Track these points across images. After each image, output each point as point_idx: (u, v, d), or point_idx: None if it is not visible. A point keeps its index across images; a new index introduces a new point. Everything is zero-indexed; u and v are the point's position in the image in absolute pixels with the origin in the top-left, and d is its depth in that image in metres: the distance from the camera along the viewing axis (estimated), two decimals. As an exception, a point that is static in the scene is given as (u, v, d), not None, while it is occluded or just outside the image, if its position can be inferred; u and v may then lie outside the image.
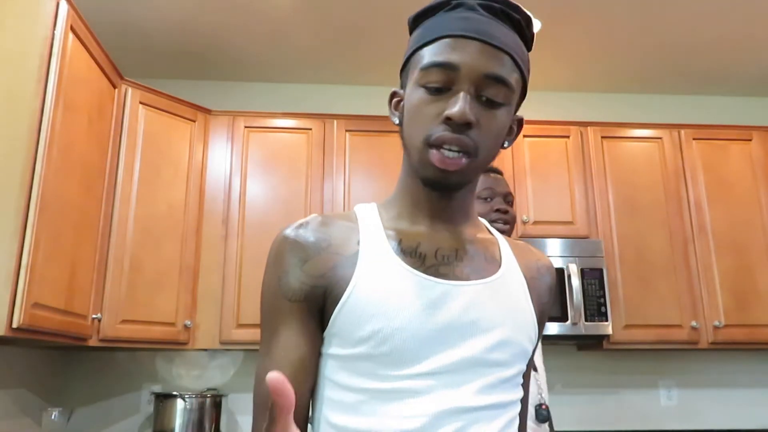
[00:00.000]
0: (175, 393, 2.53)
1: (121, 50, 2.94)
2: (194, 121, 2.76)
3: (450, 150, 0.73)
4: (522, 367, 0.79)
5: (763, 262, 2.86)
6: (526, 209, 2.86)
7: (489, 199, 1.63)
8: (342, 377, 0.73)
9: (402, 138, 0.80)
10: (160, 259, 2.51)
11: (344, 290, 0.73)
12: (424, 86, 0.75)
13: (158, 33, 2.84)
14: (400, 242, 0.78)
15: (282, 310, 0.75)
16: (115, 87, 2.46)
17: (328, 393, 0.75)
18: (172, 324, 2.49)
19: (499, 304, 0.77)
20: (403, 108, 0.80)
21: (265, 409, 0.71)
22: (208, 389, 2.80)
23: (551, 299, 0.88)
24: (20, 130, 1.81)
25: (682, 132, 3.03)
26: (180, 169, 2.66)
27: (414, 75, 0.77)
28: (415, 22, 0.81)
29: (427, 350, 0.72)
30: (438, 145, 0.73)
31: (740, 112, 3.45)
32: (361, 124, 2.91)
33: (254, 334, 2.59)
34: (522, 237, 2.77)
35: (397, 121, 0.82)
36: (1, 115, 1.81)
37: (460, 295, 0.75)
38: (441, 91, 0.74)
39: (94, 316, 2.25)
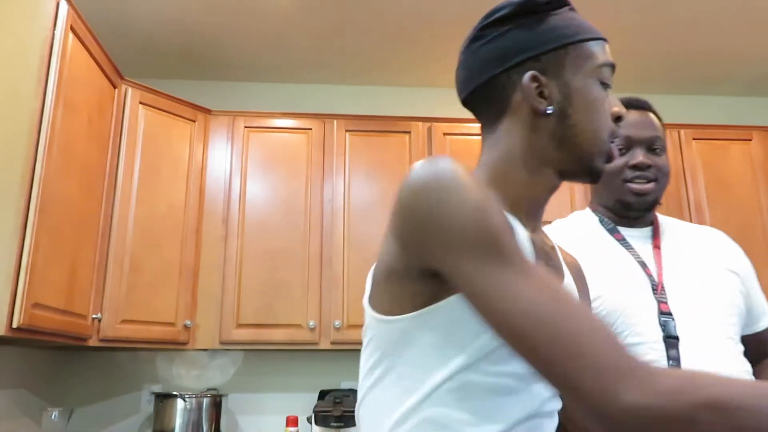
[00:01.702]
0: (175, 393, 2.53)
1: (121, 50, 2.94)
2: (194, 121, 2.76)
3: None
4: None
5: (763, 263, 2.86)
6: (526, 209, 2.86)
7: (624, 150, 1.25)
8: (483, 364, 0.67)
9: (557, 130, 0.75)
10: (160, 259, 2.51)
11: None
12: (601, 81, 0.77)
13: (158, 33, 2.84)
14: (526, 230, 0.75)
15: (508, 229, 0.64)
16: (115, 87, 2.46)
17: (472, 376, 0.67)
18: (172, 324, 2.49)
19: None
20: (563, 97, 0.75)
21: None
22: (208, 389, 2.80)
23: (589, 299, 0.90)
24: (20, 130, 1.81)
25: (682, 132, 3.02)
26: (180, 169, 2.66)
27: (588, 67, 0.76)
28: (548, 5, 0.77)
29: None
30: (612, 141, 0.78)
31: (740, 112, 3.45)
32: (361, 124, 2.91)
33: (254, 334, 2.59)
34: (522, 237, 2.77)
35: (550, 110, 0.75)
36: (1, 115, 1.81)
37: None
38: (606, 89, 0.78)
39: (94, 316, 2.25)
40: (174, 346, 2.53)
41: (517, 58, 0.76)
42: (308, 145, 2.85)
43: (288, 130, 2.86)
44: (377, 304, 0.73)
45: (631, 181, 1.23)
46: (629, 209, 1.25)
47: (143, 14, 2.69)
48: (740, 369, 1.13)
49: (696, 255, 1.24)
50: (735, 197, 2.94)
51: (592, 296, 1.09)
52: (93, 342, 2.28)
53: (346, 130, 2.90)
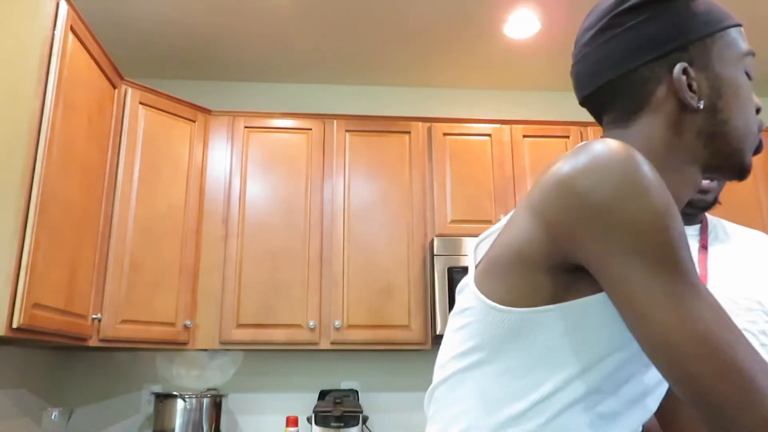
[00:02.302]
0: (175, 393, 2.53)
1: (121, 50, 2.94)
2: (194, 121, 2.76)
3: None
4: None
5: (763, 262, 2.86)
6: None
7: None
8: (600, 381, 0.63)
9: (707, 126, 0.69)
10: (160, 259, 2.51)
11: None
12: (746, 73, 0.71)
13: (158, 33, 2.84)
14: None
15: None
16: (115, 87, 2.46)
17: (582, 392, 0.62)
18: (172, 324, 2.49)
19: None
20: (712, 90, 0.69)
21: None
22: (208, 389, 2.80)
23: None
24: (20, 130, 1.81)
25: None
26: (180, 169, 2.66)
27: (734, 56, 0.70)
28: None
29: (637, 372, 0.66)
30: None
31: (740, 112, 3.45)
32: (361, 124, 2.91)
33: (254, 334, 2.59)
34: (522, 237, 2.77)
35: (701, 105, 0.68)
36: (1, 115, 1.81)
37: None
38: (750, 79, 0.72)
39: (94, 316, 2.25)
40: (174, 346, 2.53)
41: (663, 49, 0.68)
42: (308, 145, 2.85)
43: (288, 130, 2.86)
44: (490, 289, 0.67)
45: (691, 207, 1.21)
46: (690, 206, 1.21)
47: (143, 14, 2.69)
48: None
49: (742, 260, 1.22)
50: (735, 197, 2.94)
51: None
52: (93, 342, 2.28)
53: (346, 130, 2.90)
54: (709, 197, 1.20)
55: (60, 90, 1.93)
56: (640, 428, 0.71)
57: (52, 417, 2.36)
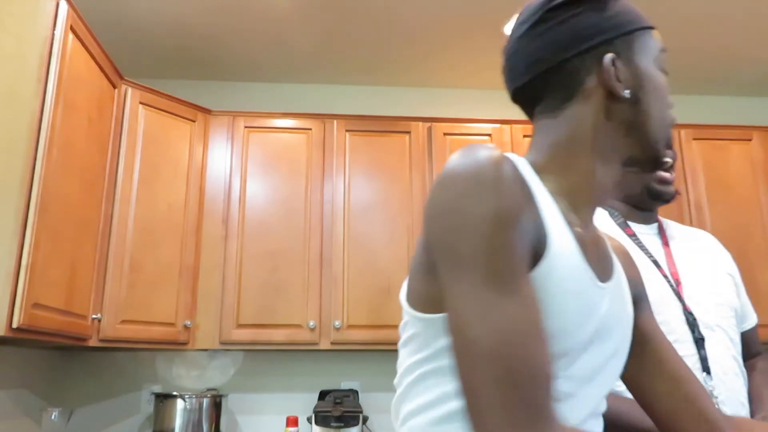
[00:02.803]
0: (175, 393, 2.53)
1: (121, 50, 2.94)
2: (194, 121, 2.76)
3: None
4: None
5: (763, 263, 2.86)
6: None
7: None
8: None
9: (630, 115, 0.73)
10: (160, 259, 2.51)
11: (537, 264, 0.63)
12: (662, 70, 0.76)
13: (158, 33, 2.84)
14: (569, 225, 0.70)
15: (519, 247, 0.60)
16: (115, 87, 2.46)
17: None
18: (172, 324, 2.49)
19: (619, 308, 0.75)
20: (635, 82, 0.73)
21: (550, 383, 0.57)
22: (208, 389, 2.80)
23: (641, 286, 0.87)
24: (20, 129, 1.81)
25: (682, 132, 3.03)
26: (180, 169, 2.66)
27: (652, 53, 0.75)
28: None
29: (582, 352, 0.67)
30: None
31: (740, 112, 3.45)
32: (361, 124, 2.91)
33: (254, 334, 2.59)
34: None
35: (627, 93, 0.72)
36: (1, 115, 1.81)
37: (602, 299, 0.71)
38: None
39: (94, 316, 2.25)
40: (174, 346, 2.53)
41: (593, 41, 0.72)
42: (308, 145, 2.85)
43: (288, 130, 2.86)
44: (413, 300, 0.70)
45: (656, 195, 1.24)
46: (656, 198, 1.24)
47: (143, 14, 2.69)
48: (740, 368, 1.15)
49: (699, 257, 1.26)
50: (735, 197, 2.94)
51: None
52: (93, 342, 2.28)
53: (346, 130, 2.90)
54: (672, 188, 1.24)
55: (60, 90, 1.93)
56: (603, 402, 0.73)
57: (52, 417, 2.36)
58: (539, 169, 0.73)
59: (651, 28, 0.76)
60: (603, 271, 0.74)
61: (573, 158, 0.73)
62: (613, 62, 0.72)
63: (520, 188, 0.62)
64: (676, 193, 1.26)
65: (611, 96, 0.72)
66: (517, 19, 0.78)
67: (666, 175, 1.23)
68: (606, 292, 0.72)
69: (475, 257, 0.58)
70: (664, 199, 1.24)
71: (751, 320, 1.29)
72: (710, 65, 3.17)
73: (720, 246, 1.34)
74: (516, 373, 0.55)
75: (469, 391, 0.56)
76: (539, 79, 0.75)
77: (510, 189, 0.60)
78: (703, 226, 2.88)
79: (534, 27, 0.75)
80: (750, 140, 3.03)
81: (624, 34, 0.73)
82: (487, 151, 0.62)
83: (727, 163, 2.99)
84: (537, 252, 0.63)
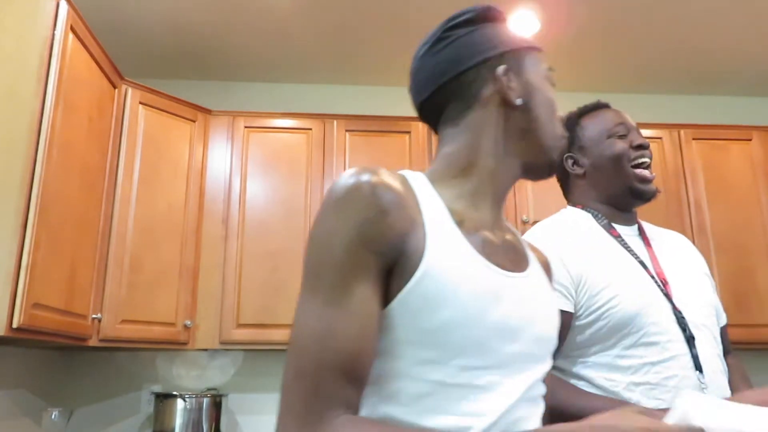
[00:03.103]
0: (175, 393, 2.53)
1: (121, 50, 2.93)
2: (194, 121, 2.76)
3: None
4: (550, 358, 0.81)
5: (763, 263, 2.86)
6: (526, 209, 2.86)
7: (625, 135, 1.30)
8: (401, 366, 0.69)
9: (523, 121, 0.82)
10: (160, 259, 2.50)
11: (415, 267, 0.68)
12: (552, 84, 0.87)
13: (158, 33, 2.84)
14: (461, 223, 0.76)
15: (359, 260, 0.67)
16: (115, 87, 2.46)
17: (383, 381, 0.69)
18: (172, 324, 2.49)
19: (536, 298, 0.79)
20: (526, 92, 0.82)
21: (341, 372, 0.64)
22: (208, 389, 2.80)
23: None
24: (20, 130, 1.81)
25: (682, 132, 3.02)
26: (180, 169, 2.66)
27: (540, 70, 0.85)
28: (496, 18, 0.86)
29: (492, 342, 0.71)
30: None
31: (740, 112, 3.45)
32: (361, 124, 2.91)
33: (254, 334, 2.59)
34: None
35: (520, 101, 0.81)
36: (1, 115, 1.81)
37: (513, 287, 0.76)
38: None
39: (94, 316, 2.25)
40: (174, 346, 2.53)
41: (486, 55, 0.81)
42: (308, 145, 2.85)
43: (288, 130, 2.86)
44: None
45: (636, 160, 1.27)
46: (638, 197, 1.27)
47: (143, 14, 2.69)
48: (725, 367, 1.18)
49: (680, 258, 1.28)
50: (735, 197, 2.94)
51: (608, 295, 1.13)
52: (93, 342, 2.28)
53: (346, 130, 2.90)
54: (653, 187, 1.27)
55: (60, 90, 1.93)
56: (538, 387, 0.77)
57: (52, 417, 2.36)
58: (438, 178, 0.80)
59: (538, 49, 0.87)
60: (512, 263, 0.79)
61: (474, 162, 0.81)
62: (505, 72, 0.81)
63: (381, 208, 0.68)
64: (657, 190, 1.28)
65: (505, 103, 0.81)
66: (421, 42, 0.87)
67: (646, 173, 1.26)
68: (515, 281, 0.77)
69: (309, 271, 0.68)
70: (646, 197, 1.27)
71: (723, 320, 1.32)
72: (710, 65, 3.17)
73: (693, 247, 1.37)
74: (299, 368, 0.64)
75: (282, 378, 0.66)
76: (440, 91, 0.83)
77: (361, 211, 0.67)
78: (703, 226, 2.89)
79: (434, 46, 0.83)
80: (750, 140, 3.03)
81: (514, 50, 0.83)
82: (350, 177, 0.70)
83: (727, 163, 2.99)
84: (414, 257, 0.69)
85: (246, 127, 2.85)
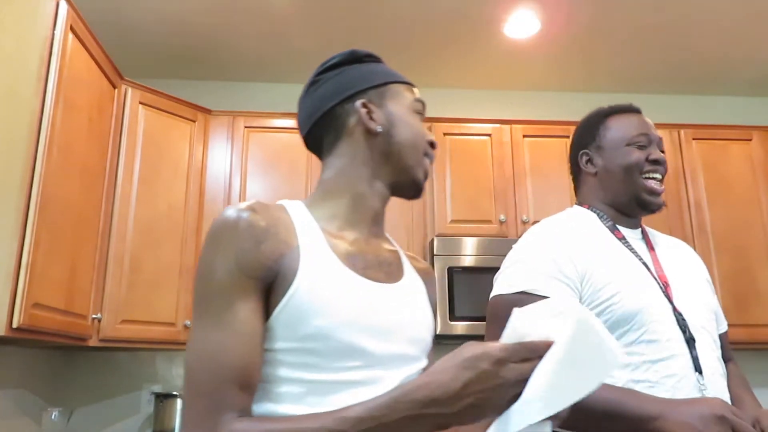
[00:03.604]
0: (175, 393, 2.53)
1: (121, 50, 2.93)
2: (194, 121, 2.76)
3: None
4: (425, 357, 0.92)
5: (763, 263, 2.86)
6: (526, 209, 2.86)
7: (645, 147, 1.29)
8: (285, 371, 0.79)
9: (385, 146, 0.93)
10: (160, 259, 2.50)
11: (289, 284, 0.79)
12: (416, 112, 0.98)
13: (158, 33, 2.84)
14: (335, 242, 0.87)
15: (240, 285, 0.77)
16: (115, 87, 2.46)
17: (270, 387, 0.79)
18: (172, 324, 2.49)
19: (409, 304, 0.91)
20: (387, 121, 0.94)
21: (234, 383, 0.74)
22: (208, 389, 2.80)
23: (435, 299, 1.05)
24: (20, 129, 1.81)
25: (682, 132, 3.03)
26: (180, 169, 2.66)
27: (402, 100, 0.97)
28: (368, 57, 1.02)
29: (367, 344, 0.81)
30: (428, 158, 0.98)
31: (740, 112, 3.45)
32: (361, 124, 2.91)
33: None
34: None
35: (380, 129, 0.92)
36: (1, 115, 1.81)
37: (386, 296, 0.87)
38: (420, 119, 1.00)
39: (94, 316, 2.25)
40: (174, 346, 2.53)
41: (350, 91, 0.95)
42: (308, 145, 2.85)
43: (288, 130, 2.86)
44: None
45: (648, 174, 1.27)
46: (644, 207, 1.28)
47: (143, 14, 2.69)
48: (724, 370, 1.20)
49: (681, 262, 1.30)
50: (735, 197, 2.94)
51: (611, 291, 1.14)
52: (93, 342, 2.28)
53: (346, 130, 2.89)
54: (661, 199, 1.28)
55: (60, 90, 1.93)
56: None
57: (52, 417, 2.36)
58: (315, 202, 0.93)
59: (403, 83, 0.99)
60: (386, 275, 0.90)
61: (346, 186, 0.93)
62: (365, 105, 0.93)
63: (255, 238, 0.79)
64: (663, 204, 1.29)
65: (368, 132, 0.93)
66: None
67: (654, 185, 1.27)
68: (387, 290, 0.88)
69: (198, 298, 0.79)
70: (651, 209, 1.28)
71: (724, 326, 1.34)
72: (710, 65, 3.17)
73: (696, 255, 1.39)
74: (198, 383, 0.74)
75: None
76: (316, 126, 0.96)
77: (238, 242, 0.78)
78: (703, 226, 2.89)
79: (309, 89, 0.98)
80: (750, 140, 3.03)
81: (376, 86, 0.96)
82: (228, 212, 0.81)
83: (727, 163, 2.99)
84: (288, 275, 0.79)
85: (246, 127, 2.85)
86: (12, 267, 1.72)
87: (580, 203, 1.36)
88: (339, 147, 0.95)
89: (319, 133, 0.97)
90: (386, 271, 0.91)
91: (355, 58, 1.00)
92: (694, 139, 3.01)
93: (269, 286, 0.79)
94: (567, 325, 0.66)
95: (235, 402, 0.73)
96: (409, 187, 0.96)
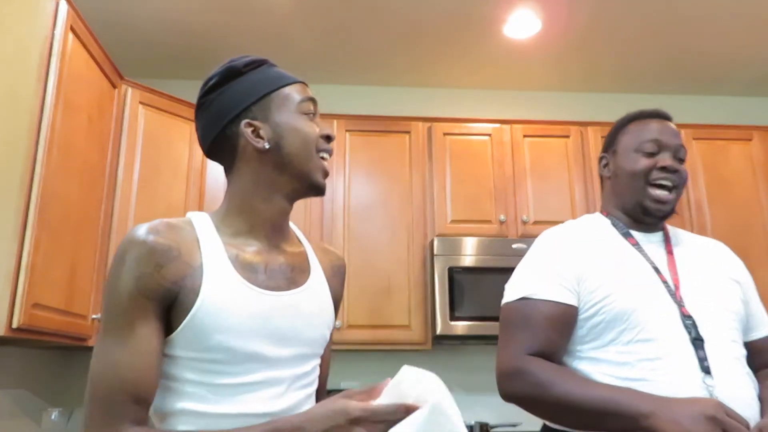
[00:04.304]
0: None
1: (121, 50, 2.93)
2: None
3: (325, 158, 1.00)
4: (321, 351, 1.00)
5: (763, 263, 2.86)
6: (526, 209, 2.86)
7: (654, 154, 1.28)
8: (191, 375, 0.86)
9: (277, 159, 0.94)
10: (160, 259, 2.50)
11: (193, 302, 0.85)
12: (304, 113, 0.97)
13: (158, 33, 2.84)
14: (237, 258, 0.92)
15: (139, 306, 0.83)
16: (115, 87, 2.46)
17: (179, 387, 0.86)
18: (172, 324, 2.49)
19: (309, 307, 0.96)
20: (275, 134, 0.95)
21: (129, 396, 0.80)
22: (208, 389, 2.80)
23: (342, 290, 1.14)
24: (20, 129, 1.81)
25: (682, 132, 3.00)
26: (180, 169, 2.66)
27: (288, 106, 0.96)
28: (246, 67, 1.01)
29: (266, 351, 0.88)
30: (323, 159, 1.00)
31: (740, 112, 3.45)
32: (361, 124, 2.91)
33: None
34: (522, 237, 2.77)
35: (267, 146, 0.94)
36: (1, 115, 1.81)
37: (284, 304, 0.92)
38: (312, 118, 1.00)
39: (94, 316, 2.25)
40: (174, 346, 2.52)
41: (233, 113, 0.95)
42: (308, 145, 2.85)
43: (288, 130, 2.85)
44: None
45: (655, 181, 1.26)
46: (648, 215, 1.27)
47: (143, 14, 2.69)
48: (745, 370, 1.18)
49: (703, 263, 1.29)
50: (735, 197, 2.94)
51: (605, 291, 1.16)
52: (93, 342, 2.28)
53: (346, 130, 2.90)
54: (667, 207, 1.27)
55: (60, 90, 1.93)
56: (309, 376, 0.96)
57: (52, 417, 2.36)
58: (220, 219, 0.96)
59: (286, 85, 0.98)
60: (288, 282, 0.95)
61: (244, 203, 0.95)
62: (248, 125, 0.94)
63: (156, 263, 0.84)
64: (673, 211, 1.28)
65: (258, 150, 0.94)
66: None
67: (660, 194, 1.26)
68: (287, 298, 0.93)
69: (103, 316, 0.85)
70: (656, 216, 1.27)
71: (764, 329, 1.29)
72: (710, 65, 3.17)
73: (731, 254, 1.37)
74: (97, 393, 0.81)
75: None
76: (212, 148, 0.98)
77: (139, 267, 0.84)
78: (703, 226, 2.89)
79: (197, 112, 0.99)
80: (750, 140, 3.03)
81: (258, 100, 0.95)
82: (132, 236, 0.86)
83: (727, 163, 2.99)
84: (191, 295, 0.85)
85: (246, 127, 2.84)
86: (12, 267, 1.72)
87: (601, 209, 1.38)
88: (235, 167, 0.97)
89: (216, 155, 0.99)
90: (288, 277, 0.96)
91: (234, 73, 0.99)
92: (694, 139, 3.01)
93: (171, 305, 0.85)
94: (425, 405, 0.75)
95: (130, 413, 0.80)
96: (310, 190, 0.99)
